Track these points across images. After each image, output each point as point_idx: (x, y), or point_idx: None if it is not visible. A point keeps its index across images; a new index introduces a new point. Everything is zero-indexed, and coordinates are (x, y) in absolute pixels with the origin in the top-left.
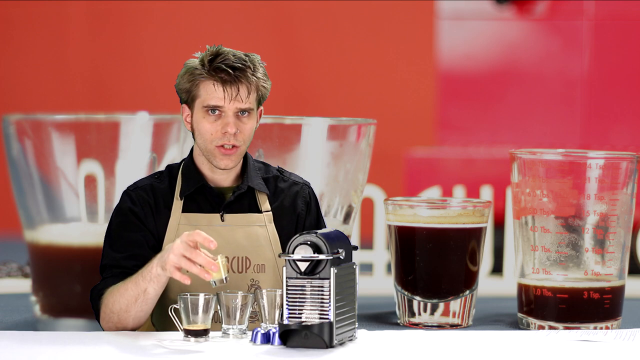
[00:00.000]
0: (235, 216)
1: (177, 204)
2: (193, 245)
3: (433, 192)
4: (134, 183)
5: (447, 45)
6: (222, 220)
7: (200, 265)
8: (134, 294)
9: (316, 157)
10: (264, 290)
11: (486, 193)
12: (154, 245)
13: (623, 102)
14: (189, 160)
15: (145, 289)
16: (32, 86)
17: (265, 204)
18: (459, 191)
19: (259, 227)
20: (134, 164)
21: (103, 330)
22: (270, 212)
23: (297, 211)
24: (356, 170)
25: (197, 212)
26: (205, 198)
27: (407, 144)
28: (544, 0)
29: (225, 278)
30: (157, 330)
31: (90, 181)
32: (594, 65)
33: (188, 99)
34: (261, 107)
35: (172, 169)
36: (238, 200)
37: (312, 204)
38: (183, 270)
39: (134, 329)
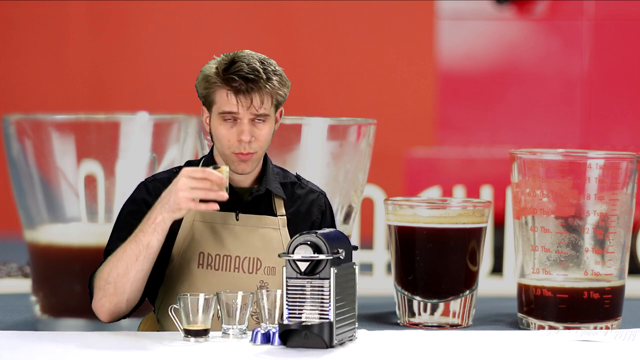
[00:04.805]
0: (250, 217)
1: None
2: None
3: (433, 192)
4: (152, 175)
5: (447, 45)
6: (237, 220)
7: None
8: (135, 252)
9: (316, 157)
10: (263, 290)
11: (486, 193)
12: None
13: (623, 102)
14: (209, 158)
15: (148, 243)
16: (32, 86)
17: (280, 208)
18: (459, 191)
19: (272, 229)
20: (134, 164)
21: (100, 331)
22: (285, 217)
23: (312, 219)
24: (356, 170)
25: None
26: None
27: (407, 144)
28: (544, 0)
29: (226, 188)
30: (160, 326)
31: (90, 181)
32: (594, 65)
33: (206, 103)
34: (281, 109)
35: (191, 164)
36: (255, 201)
37: (327, 213)
38: (196, 199)
39: (128, 309)
